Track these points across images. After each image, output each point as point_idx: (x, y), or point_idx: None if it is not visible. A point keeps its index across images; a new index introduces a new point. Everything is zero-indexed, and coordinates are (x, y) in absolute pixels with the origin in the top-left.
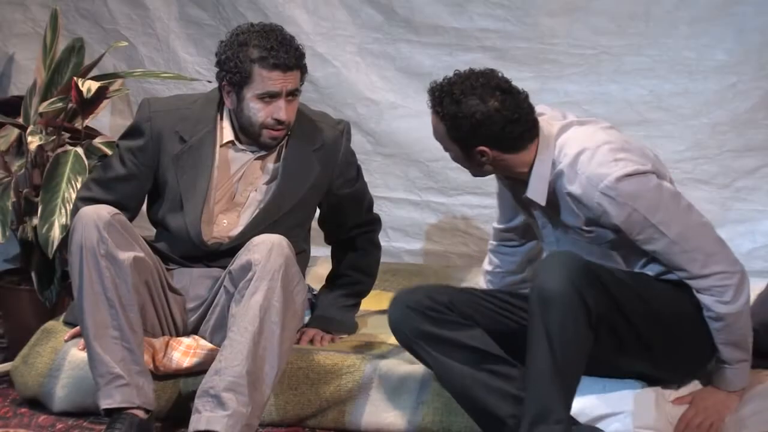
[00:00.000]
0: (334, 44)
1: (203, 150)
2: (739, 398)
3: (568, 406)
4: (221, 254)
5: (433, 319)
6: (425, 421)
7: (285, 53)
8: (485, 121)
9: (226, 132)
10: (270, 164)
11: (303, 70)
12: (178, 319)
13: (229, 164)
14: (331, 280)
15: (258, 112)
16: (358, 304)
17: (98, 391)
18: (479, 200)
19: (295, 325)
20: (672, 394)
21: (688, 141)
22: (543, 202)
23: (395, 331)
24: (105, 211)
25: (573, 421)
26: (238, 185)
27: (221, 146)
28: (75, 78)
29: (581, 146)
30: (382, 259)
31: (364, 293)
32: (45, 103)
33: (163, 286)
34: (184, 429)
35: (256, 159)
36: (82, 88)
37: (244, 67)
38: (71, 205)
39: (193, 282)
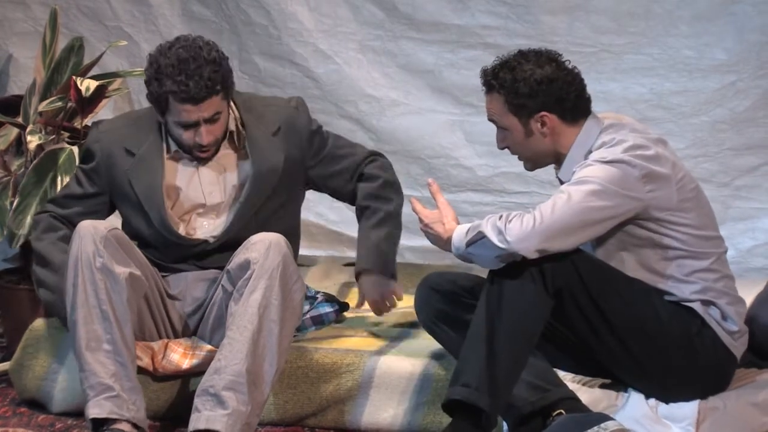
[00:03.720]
0: (336, 41)
1: (152, 159)
2: None
3: (491, 372)
4: (211, 252)
5: (454, 302)
6: (425, 421)
7: (195, 86)
8: (544, 80)
9: (172, 142)
10: (230, 160)
11: (219, 90)
12: (177, 325)
13: (181, 171)
14: (358, 218)
15: (181, 135)
16: (391, 233)
17: (87, 401)
18: (480, 197)
19: (293, 323)
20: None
21: (688, 139)
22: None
23: (418, 310)
24: (102, 225)
25: (581, 407)
26: (202, 188)
27: (169, 156)
28: (74, 77)
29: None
30: None
31: (391, 217)
32: (44, 103)
33: (161, 295)
34: (183, 429)
35: (206, 163)
36: (81, 87)
37: (160, 96)
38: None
39: (190, 286)
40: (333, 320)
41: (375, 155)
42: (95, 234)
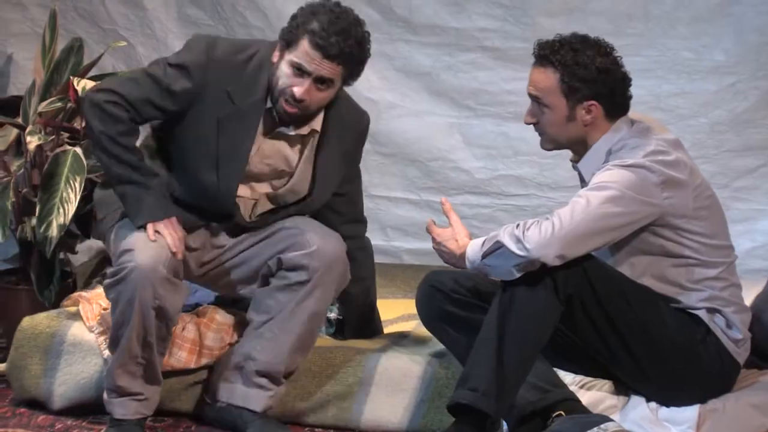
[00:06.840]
0: None
1: (251, 117)
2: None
3: (499, 377)
4: (242, 229)
5: (456, 301)
6: (426, 419)
7: (334, 40)
8: (604, 70)
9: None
10: (295, 141)
11: (347, 66)
12: (194, 272)
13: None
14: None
15: (285, 77)
16: (373, 313)
17: (112, 400)
18: (478, 199)
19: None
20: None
21: (687, 141)
22: (588, 178)
23: (419, 309)
24: (161, 265)
25: (581, 408)
26: (255, 156)
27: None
28: (72, 77)
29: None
30: (380, 262)
31: (373, 301)
32: (44, 103)
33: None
34: (183, 426)
35: (281, 137)
36: (77, 88)
37: (298, 31)
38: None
39: (211, 239)
40: None
41: (363, 227)
42: (154, 278)
